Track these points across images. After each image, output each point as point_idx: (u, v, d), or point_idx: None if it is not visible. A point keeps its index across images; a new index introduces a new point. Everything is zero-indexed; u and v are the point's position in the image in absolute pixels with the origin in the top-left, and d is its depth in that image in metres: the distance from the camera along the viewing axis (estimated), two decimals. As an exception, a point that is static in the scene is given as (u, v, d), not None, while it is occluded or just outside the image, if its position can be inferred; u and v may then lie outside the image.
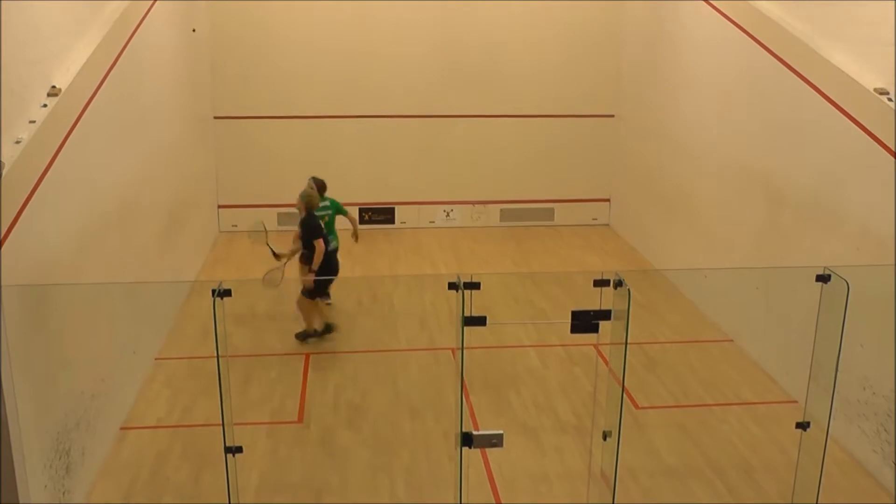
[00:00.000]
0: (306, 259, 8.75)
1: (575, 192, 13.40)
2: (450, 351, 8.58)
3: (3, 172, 5.03)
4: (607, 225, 13.49)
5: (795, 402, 7.47)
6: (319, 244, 8.57)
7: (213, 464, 6.43)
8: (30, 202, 5.40)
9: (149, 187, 8.61)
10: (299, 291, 8.73)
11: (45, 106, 5.89)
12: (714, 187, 9.56)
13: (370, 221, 12.73)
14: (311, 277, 8.51)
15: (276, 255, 8.77)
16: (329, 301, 9.66)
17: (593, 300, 4.89)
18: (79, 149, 6.35)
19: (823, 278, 5.12)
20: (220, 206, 12.87)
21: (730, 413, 7.46)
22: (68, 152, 6.11)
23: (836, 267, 5.11)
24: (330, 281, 8.86)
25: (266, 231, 8.74)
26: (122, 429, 7.08)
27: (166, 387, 7.86)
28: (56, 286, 5.74)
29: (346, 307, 9.74)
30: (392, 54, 12.58)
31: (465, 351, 4.79)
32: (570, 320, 4.85)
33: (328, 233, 9.47)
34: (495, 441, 4.98)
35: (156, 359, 8.42)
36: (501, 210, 13.37)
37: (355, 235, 9.67)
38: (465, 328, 4.72)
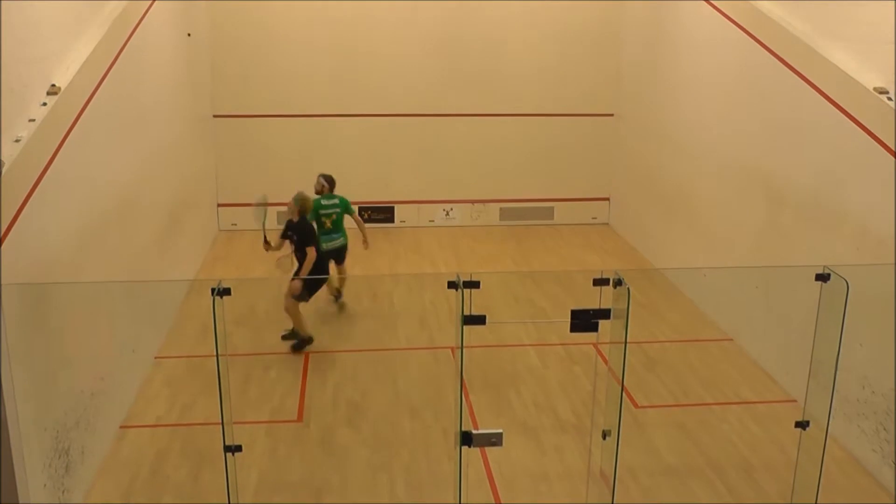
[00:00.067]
0: (300, 259, 8.62)
1: (575, 191, 13.40)
2: (449, 350, 8.58)
3: (3, 171, 5.03)
4: (607, 224, 13.49)
5: (795, 401, 7.48)
6: (312, 252, 8.46)
7: (212, 462, 6.43)
8: (29, 201, 5.40)
9: (148, 186, 8.61)
10: (285, 294, 8.55)
11: (44, 104, 5.89)
12: (714, 186, 9.56)
13: (370, 220, 12.70)
14: (297, 283, 8.39)
15: (267, 243, 8.75)
16: (339, 299, 9.69)
17: (593, 299, 4.89)
18: (78, 147, 6.35)
19: (823, 277, 5.12)
20: (219, 205, 12.87)
21: (729, 412, 7.46)
22: (68, 151, 6.11)
23: (836, 266, 5.11)
24: (320, 283, 8.76)
25: (266, 209, 8.71)
26: (121, 427, 7.08)
27: (166, 385, 7.86)
28: (56, 285, 5.74)
29: (346, 306, 9.73)
30: (392, 53, 12.57)
31: (464, 350, 4.79)
32: (569, 319, 4.84)
33: (336, 230, 9.48)
34: (495, 440, 4.98)
35: (155, 357, 8.42)
36: (501, 209, 13.37)
37: (365, 242, 9.59)
38: (465, 327, 4.72)
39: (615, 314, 4.84)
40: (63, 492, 5.70)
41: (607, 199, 13.47)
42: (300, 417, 7.37)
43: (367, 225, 9.68)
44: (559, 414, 7.43)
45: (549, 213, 13.45)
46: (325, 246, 9.43)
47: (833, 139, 7.16)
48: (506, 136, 13.06)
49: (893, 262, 6.17)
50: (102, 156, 7.11)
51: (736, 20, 8.95)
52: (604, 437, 5.16)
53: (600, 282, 4.89)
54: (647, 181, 11.74)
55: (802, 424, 5.46)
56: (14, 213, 5.17)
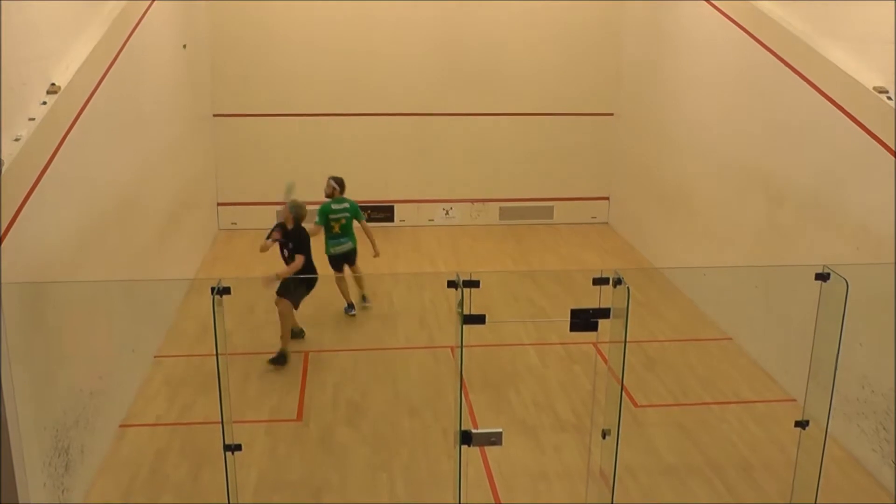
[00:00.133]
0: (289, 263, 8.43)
1: (574, 190, 13.40)
2: (449, 349, 8.58)
3: (3, 170, 5.03)
4: (606, 223, 13.49)
5: (794, 400, 7.48)
6: (300, 261, 8.26)
7: (212, 462, 6.43)
8: (29, 199, 5.40)
9: (148, 185, 8.61)
10: (275, 301, 8.33)
11: (44, 103, 5.89)
12: (713, 186, 9.56)
13: (369, 220, 12.67)
14: (275, 281, 8.19)
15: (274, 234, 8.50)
16: (366, 303, 9.63)
17: (592, 298, 4.90)
18: (78, 146, 6.35)
19: (823, 277, 5.12)
20: (219, 204, 12.86)
21: (729, 412, 7.46)
22: (68, 150, 6.11)
23: (836, 265, 5.11)
24: (310, 288, 8.52)
25: (292, 191, 8.60)
26: (121, 426, 7.08)
27: (165, 384, 7.86)
28: (55, 284, 5.74)
29: (344, 305, 9.72)
30: (392, 52, 12.57)
31: (464, 349, 4.79)
32: (569, 318, 4.85)
33: (344, 234, 9.34)
34: (494, 439, 4.99)
35: (155, 356, 8.41)
36: (501, 208, 13.37)
37: (375, 251, 9.42)
38: (465, 326, 4.73)
39: (615, 313, 4.84)
40: (63, 491, 5.70)
41: (607, 198, 13.47)
42: (300, 416, 7.37)
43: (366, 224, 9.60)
44: (559, 413, 7.43)
45: (549, 212, 13.45)
46: (333, 250, 9.36)
47: (833, 139, 7.16)
48: (505, 136, 13.06)
49: (893, 261, 6.17)
50: (102, 155, 7.11)
51: (736, 20, 8.95)
52: (603, 437, 5.16)
53: (600, 281, 4.89)
54: (647, 181, 11.74)
55: (802, 424, 5.46)
56: (14, 211, 5.17)
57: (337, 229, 9.31)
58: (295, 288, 8.29)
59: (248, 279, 8.99)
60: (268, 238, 8.50)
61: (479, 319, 4.78)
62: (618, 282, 4.78)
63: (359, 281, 9.68)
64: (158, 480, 6.36)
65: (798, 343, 6.70)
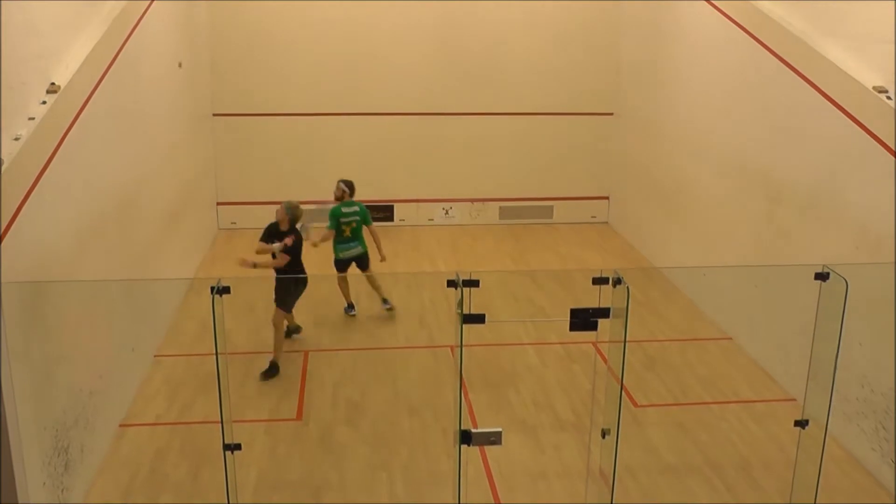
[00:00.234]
0: (280, 270, 8.24)
1: (574, 189, 13.40)
2: (449, 349, 8.58)
3: (3, 169, 5.03)
4: (606, 223, 13.49)
5: (794, 399, 7.48)
6: (282, 259, 8.10)
7: (211, 461, 6.43)
8: (29, 198, 5.40)
9: (147, 184, 8.61)
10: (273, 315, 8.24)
11: (44, 103, 5.89)
12: (713, 185, 9.56)
13: (369, 219, 12.75)
14: (249, 264, 8.10)
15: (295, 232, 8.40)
16: (387, 306, 9.45)
17: (592, 298, 4.90)
18: (78, 145, 6.35)
19: (822, 276, 5.12)
20: (218, 203, 12.86)
21: (728, 411, 7.46)
22: (67, 149, 6.11)
23: (835, 265, 5.11)
24: (300, 291, 8.42)
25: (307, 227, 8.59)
26: (120, 426, 7.08)
27: (165, 384, 7.86)
28: (55, 283, 5.74)
29: (344, 305, 9.72)
30: (391, 52, 12.57)
31: (463, 349, 4.79)
32: (568, 318, 4.85)
33: (354, 237, 9.24)
34: (494, 439, 4.99)
35: (154, 356, 8.42)
36: (500, 208, 13.37)
37: (381, 255, 9.35)
38: (464, 326, 4.72)
39: (614, 313, 4.84)
40: (62, 490, 5.70)
41: (606, 197, 13.47)
42: (299, 416, 7.37)
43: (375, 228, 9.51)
44: (558, 413, 7.44)
45: (549, 211, 13.45)
46: (343, 254, 9.27)
47: (832, 138, 7.16)
48: (505, 135, 13.06)
49: (893, 260, 6.17)
50: (102, 154, 7.10)
51: (735, 19, 8.95)
52: (603, 436, 5.16)
53: (599, 280, 4.89)
54: (647, 180, 11.74)
55: (801, 423, 5.46)
56: (14, 210, 5.17)
57: (348, 233, 9.21)
58: (286, 294, 8.20)
59: (247, 279, 8.97)
60: (261, 240, 8.37)
61: (479, 319, 4.78)
62: (617, 281, 4.78)
63: (375, 285, 9.46)
64: (158, 480, 6.36)
65: (798, 342, 6.71)
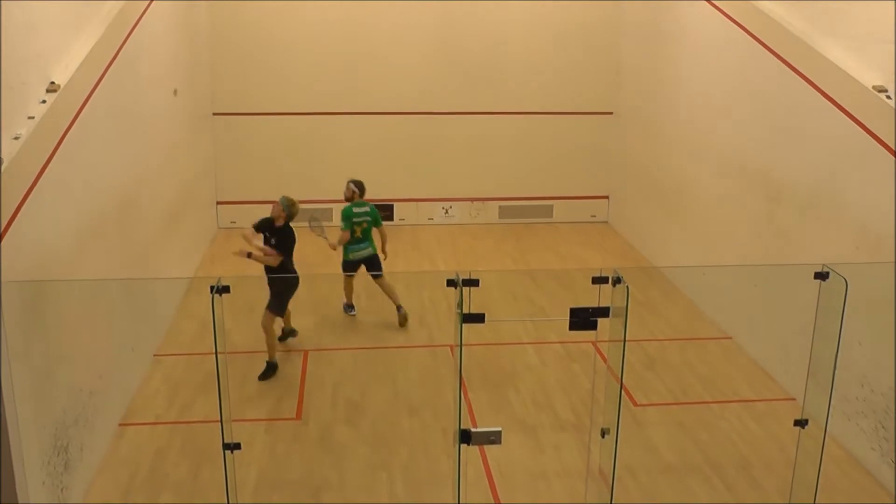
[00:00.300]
0: (271, 269, 8.18)
1: (574, 189, 13.40)
2: (448, 348, 8.58)
3: (3, 168, 5.03)
4: (606, 222, 13.49)
5: (794, 399, 7.48)
6: (275, 258, 8.05)
7: (211, 460, 6.43)
8: (29, 198, 5.40)
9: (147, 183, 8.61)
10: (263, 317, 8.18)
11: (43, 102, 5.89)
12: (713, 185, 9.56)
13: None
14: (244, 254, 8.03)
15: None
16: (402, 312, 9.26)
17: (592, 297, 4.90)
18: (77, 145, 6.35)
19: (822, 276, 5.12)
20: (218, 203, 12.86)
21: (728, 410, 7.46)
22: (67, 148, 6.11)
23: (835, 264, 5.11)
24: (291, 293, 8.35)
25: (321, 226, 8.54)
26: (120, 425, 7.08)
27: (165, 383, 7.86)
28: (55, 282, 5.74)
29: (344, 302, 9.73)
30: (391, 52, 12.57)
31: (463, 348, 4.79)
32: (568, 317, 4.85)
33: (364, 238, 9.13)
34: (493, 438, 4.98)
35: (154, 355, 8.42)
36: (500, 207, 13.37)
37: (384, 253, 9.29)
38: (464, 325, 4.72)
39: (614, 312, 4.84)
40: (62, 489, 5.70)
41: (606, 197, 13.47)
42: (299, 415, 7.37)
43: (383, 229, 9.46)
44: (558, 412, 7.44)
45: (549, 211, 13.45)
46: (353, 255, 9.15)
47: (832, 138, 7.16)
48: (505, 135, 13.06)
49: (893, 260, 6.18)
50: (102, 153, 7.10)
51: (735, 19, 8.94)
52: (603, 436, 5.16)
53: (599, 280, 4.89)
54: (647, 179, 11.74)
55: (801, 423, 5.46)
56: (13, 210, 5.17)
57: (358, 233, 9.09)
58: (277, 295, 8.15)
59: (247, 278, 8.97)
60: (256, 228, 8.27)
61: (479, 318, 4.78)
62: (617, 281, 4.78)
63: (389, 292, 9.25)
64: (158, 479, 6.36)
65: (797, 342, 6.71)
